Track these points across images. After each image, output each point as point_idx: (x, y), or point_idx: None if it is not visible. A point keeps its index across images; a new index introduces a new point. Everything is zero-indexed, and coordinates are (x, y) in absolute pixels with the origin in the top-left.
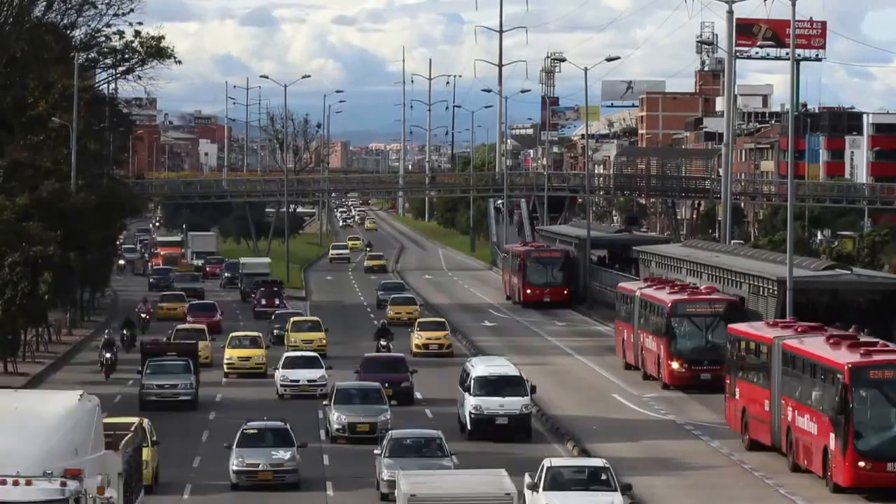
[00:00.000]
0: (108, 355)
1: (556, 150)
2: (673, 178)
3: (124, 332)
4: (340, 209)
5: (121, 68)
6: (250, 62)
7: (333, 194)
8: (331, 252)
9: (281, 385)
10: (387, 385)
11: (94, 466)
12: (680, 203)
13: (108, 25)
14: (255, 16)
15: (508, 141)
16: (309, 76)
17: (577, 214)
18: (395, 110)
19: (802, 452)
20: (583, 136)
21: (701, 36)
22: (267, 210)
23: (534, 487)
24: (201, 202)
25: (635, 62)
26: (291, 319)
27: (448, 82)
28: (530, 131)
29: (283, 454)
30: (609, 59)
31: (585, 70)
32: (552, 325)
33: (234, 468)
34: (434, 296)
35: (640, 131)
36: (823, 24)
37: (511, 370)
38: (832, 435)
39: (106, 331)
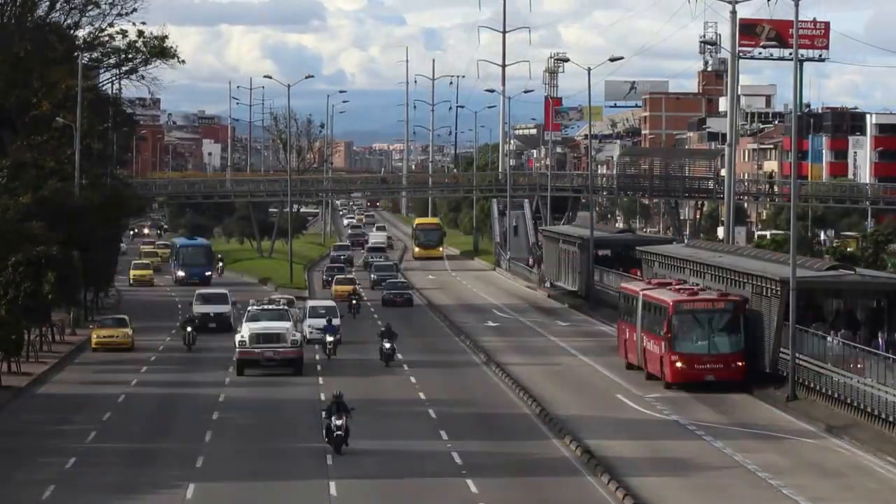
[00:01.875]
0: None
1: (559, 150)
2: (676, 178)
3: None
4: (347, 216)
5: (124, 68)
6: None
7: (342, 198)
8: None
9: None
10: None
11: None
12: (683, 203)
13: (111, 25)
14: (192, 14)
15: (511, 141)
16: (312, 76)
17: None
18: (397, 110)
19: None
20: (586, 136)
21: (704, 36)
22: (270, 210)
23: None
24: (205, 202)
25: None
26: None
27: (451, 83)
28: (533, 131)
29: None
30: (612, 60)
31: (589, 70)
32: (555, 325)
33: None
34: (438, 295)
35: (643, 131)
36: (826, 24)
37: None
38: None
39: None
